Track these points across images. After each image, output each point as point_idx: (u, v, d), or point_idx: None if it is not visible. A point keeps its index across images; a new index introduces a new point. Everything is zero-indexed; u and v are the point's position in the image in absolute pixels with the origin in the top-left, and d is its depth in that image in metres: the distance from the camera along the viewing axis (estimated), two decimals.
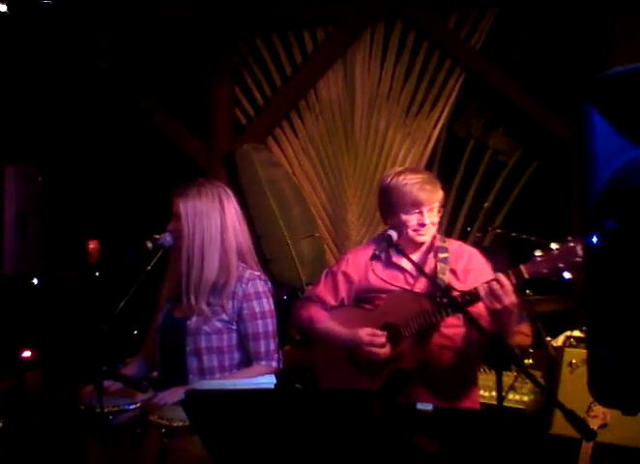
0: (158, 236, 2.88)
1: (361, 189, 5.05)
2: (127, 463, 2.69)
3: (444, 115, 4.90)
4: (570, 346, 3.53)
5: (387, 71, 4.95)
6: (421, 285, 2.93)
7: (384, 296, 2.96)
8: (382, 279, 2.98)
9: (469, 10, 4.77)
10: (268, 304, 2.89)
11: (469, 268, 2.92)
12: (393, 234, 2.84)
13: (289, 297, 4.95)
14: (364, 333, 2.89)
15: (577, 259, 2.42)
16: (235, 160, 5.05)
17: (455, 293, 2.74)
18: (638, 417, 1.43)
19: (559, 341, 3.79)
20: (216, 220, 2.86)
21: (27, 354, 4.16)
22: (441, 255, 2.92)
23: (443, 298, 2.75)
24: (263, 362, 2.87)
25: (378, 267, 3.01)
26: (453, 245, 3.01)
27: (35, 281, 4.25)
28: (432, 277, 2.83)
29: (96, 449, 2.75)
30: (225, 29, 5.22)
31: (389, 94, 4.96)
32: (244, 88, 5.28)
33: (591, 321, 1.42)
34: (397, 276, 2.97)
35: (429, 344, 2.84)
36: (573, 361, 3.43)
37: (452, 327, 2.87)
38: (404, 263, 2.94)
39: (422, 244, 2.96)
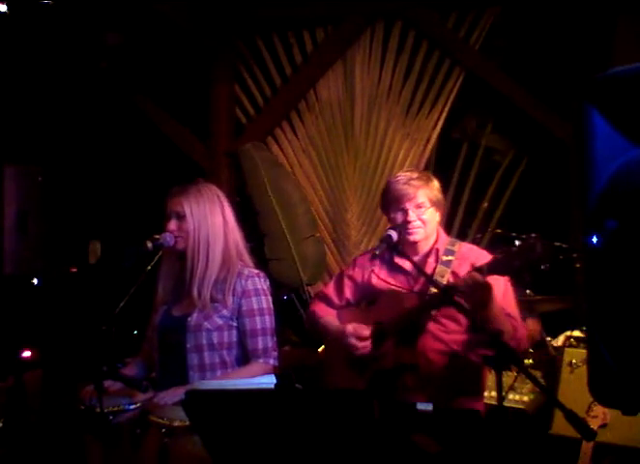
0: (158, 236, 2.89)
1: (361, 189, 5.05)
2: (127, 463, 2.69)
3: (443, 115, 4.90)
4: (570, 346, 3.53)
5: (386, 71, 4.95)
6: (420, 287, 2.90)
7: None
8: (383, 280, 2.97)
9: (468, 10, 4.77)
10: (266, 302, 2.92)
11: None
12: (393, 234, 2.77)
13: (289, 297, 4.95)
14: (350, 326, 2.92)
15: (536, 256, 2.36)
16: (239, 160, 5.06)
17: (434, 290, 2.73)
18: (638, 417, 1.43)
19: (559, 341, 3.79)
20: (219, 217, 2.92)
21: (27, 354, 4.16)
22: (444, 258, 2.88)
23: (427, 296, 2.75)
24: (260, 360, 2.88)
25: (381, 268, 3.00)
26: (463, 248, 2.95)
27: (35, 281, 4.25)
28: (430, 278, 2.77)
29: (96, 450, 2.75)
30: (225, 29, 5.22)
31: (388, 94, 4.96)
32: (244, 88, 5.28)
33: (591, 321, 1.42)
34: (398, 278, 2.95)
35: (417, 346, 2.80)
36: (573, 361, 3.43)
37: (453, 333, 2.84)
38: (405, 264, 2.93)
39: (418, 244, 2.92)
